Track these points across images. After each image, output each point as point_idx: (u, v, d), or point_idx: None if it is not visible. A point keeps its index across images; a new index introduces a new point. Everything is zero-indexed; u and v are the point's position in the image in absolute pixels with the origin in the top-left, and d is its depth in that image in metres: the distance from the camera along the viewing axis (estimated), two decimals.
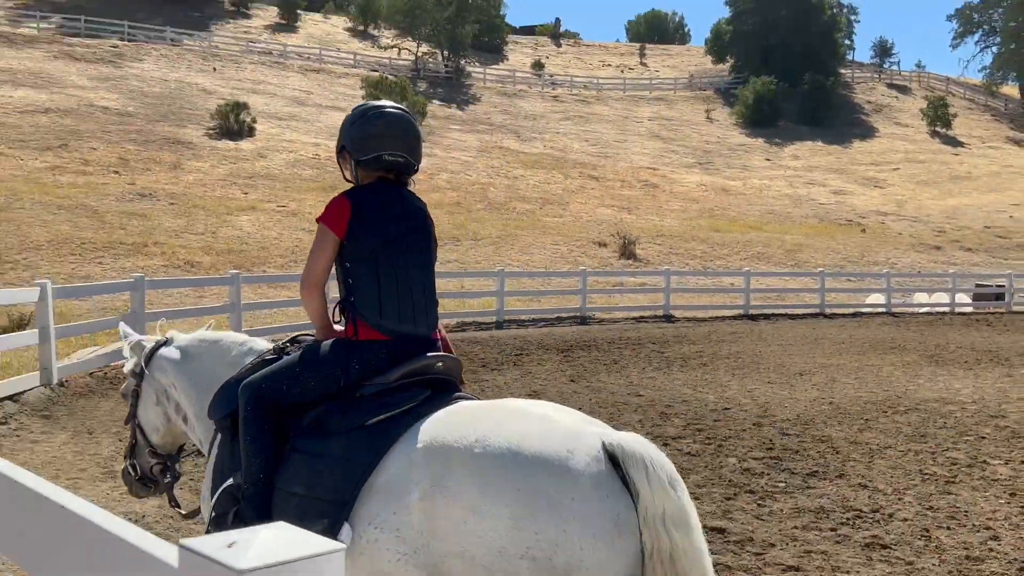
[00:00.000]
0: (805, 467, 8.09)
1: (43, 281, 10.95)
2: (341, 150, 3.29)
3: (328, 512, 2.68)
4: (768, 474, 7.82)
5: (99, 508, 1.49)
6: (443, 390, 3.06)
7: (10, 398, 10.03)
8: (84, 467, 7.60)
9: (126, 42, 57.00)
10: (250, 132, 42.96)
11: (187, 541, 1.13)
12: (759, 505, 6.88)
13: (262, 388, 3.03)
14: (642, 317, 23.32)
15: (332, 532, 2.62)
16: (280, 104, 50.92)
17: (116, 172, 33.92)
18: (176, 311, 15.12)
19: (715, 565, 5.53)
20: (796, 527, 6.35)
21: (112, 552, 1.36)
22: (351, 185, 3.28)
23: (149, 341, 3.90)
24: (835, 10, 79.36)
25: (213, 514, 2.99)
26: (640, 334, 19.52)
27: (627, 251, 31.23)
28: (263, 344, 3.61)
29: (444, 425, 2.69)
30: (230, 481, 3.00)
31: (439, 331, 3.35)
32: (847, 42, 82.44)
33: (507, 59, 77.64)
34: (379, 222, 3.12)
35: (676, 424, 9.89)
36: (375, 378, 2.98)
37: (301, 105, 51.99)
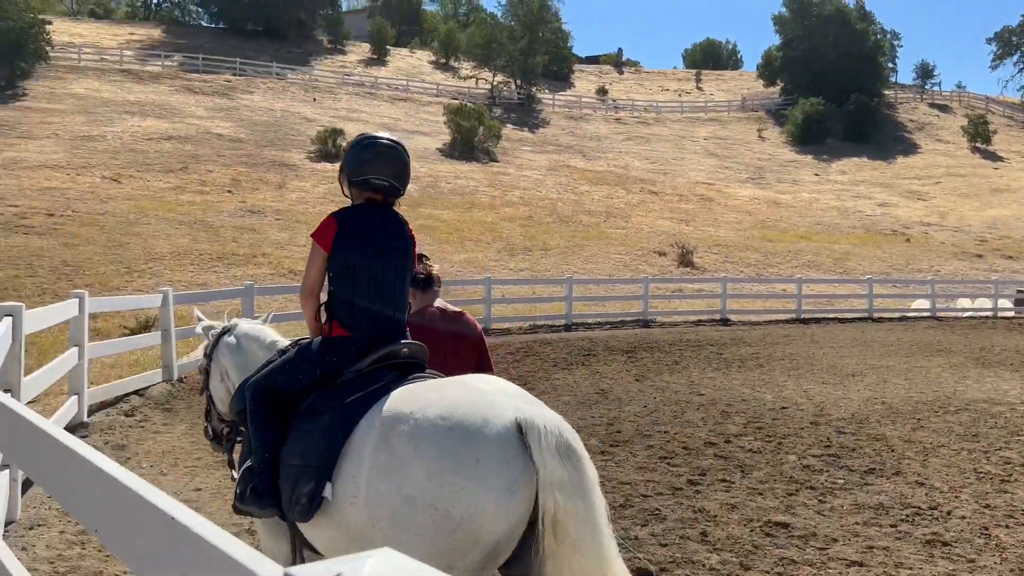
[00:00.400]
0: (862, 464, 7.72)
1: (165, 288, 11.15)
2: (341, 171, 3.51)
3: (315, 475, 2.90)
4: (827, 471, 7.48)
5: (209, 522, 1.36)
6: (410, 371, 3.22)
7: (137, 392, 10.21)
8: (200, 456, 7.64)
9: (238, 76, 58.34)
10: None
11: (292, 570, 0.99)
12: (820, 501, 6.56)
13: (261, 384, 3.29)
14: (700, 321, 22.86)
15: (319, 490, 2.88)
16: (371, 130, 51.44)
17: (229, 191, 34.66)
18: (280, 315, 15.28)
19: (780, 559, 5.28)
20: (857, 523, 6.03)
21: (217, 568, 1.24)
22: (348, 202, 3.50)
23: (217, 327, 4.16)
24: (879, 35, 77.12)
25: (237, 490, 3.22)
26: (699, 336, 19.10)
27: (685, 260, 30.70)
28: (284, 343, 3.80)
29: (399, 398, 2.90)
30: (248, 462, 3.25)
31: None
32: (890, 65, 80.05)
33: (574, 86, 77.34)
34: (360, 239, 3.30)
35: (737, 422, 9.57)
36: (351, 366, 3.18)
37: (390, 131, 52.44)
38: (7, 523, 5.24)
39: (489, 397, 2.80)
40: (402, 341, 3.31)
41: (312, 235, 3.36)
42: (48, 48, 50.15)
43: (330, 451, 2.91)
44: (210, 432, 4.12)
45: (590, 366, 14.04)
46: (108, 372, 11.65)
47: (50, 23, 51.76)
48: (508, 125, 57.57)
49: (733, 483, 6.98)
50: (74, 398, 8.06)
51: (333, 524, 2.88)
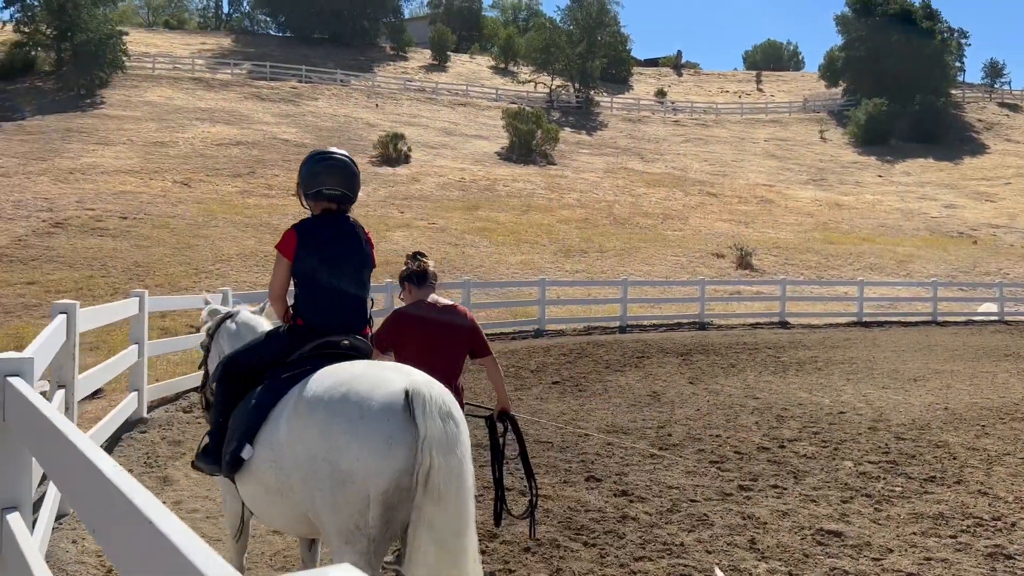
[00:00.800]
0: (922, 472, 7.39)
1: (224, 289, 11.30)
2: (298, 186, 3.83)
3: (238, 437, 3.29)
4: (885, 478, 7.17)
5: (188, 529, 1.28)
6: (351, 360, 3.46)
7: (196, 389, 10.35)
8: None
9: (303, 84, 59.31)
10: (406, 159, 43.85)
11: None
12: (876, 509, 6.28)
13: (229, 360, 3.74)
14: (758, 323, 22.37)
15: (239, 450, 3.27)
16: (432, 134, 51.84)
17: (294, 195, 35.11)
18: None
19: (831, 569, 5.05)
20: (915, 533, 5.75)
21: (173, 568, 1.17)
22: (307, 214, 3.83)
23: (222, 311, 4.47)
24: (946, 34, 74.69)
25: (196, 450, 3.69)
26: (756, 339, 18.68)
27: (744, 262, 30.11)
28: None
29: (317, 376, 3.21)
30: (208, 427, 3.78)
31: (369, 327, 3.82)
32: (958, 64, 77.46)
33: (632, 89, 76.69)
34: (318, 247, 3.66)
35: (792, 427, 9.27)
36: (297, 350, 3.57)
37: (450, 135, 52.78)
38: (59, 516, 5.31)
39: (386, 373, 3.12)
40: (348, 335, 3.63)
41: (276, 246, 3.73)
42: (125, 58, 51.66)
43: (256, 418, 3.30)
44: (203, 401, 4.48)
45: (643, 368, 13.81)
46: (173, 369, 11.86)
47: (127, 34, 53.30)
48: (566, 128, 57.34)
49: (785, 489, 6.74)
50: (134, 394, 8.20)
51: (255, 481, 3.29)
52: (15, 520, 2.76)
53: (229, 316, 4.40)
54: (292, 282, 3.71)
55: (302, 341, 3.57)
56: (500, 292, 22.48)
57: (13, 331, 15.29)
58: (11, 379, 2.80)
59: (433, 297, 4.82)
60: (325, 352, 3.53)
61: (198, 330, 4.95)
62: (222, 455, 3.39)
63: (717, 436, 8.69)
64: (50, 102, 46.97)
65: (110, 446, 7.50)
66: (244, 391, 3.54)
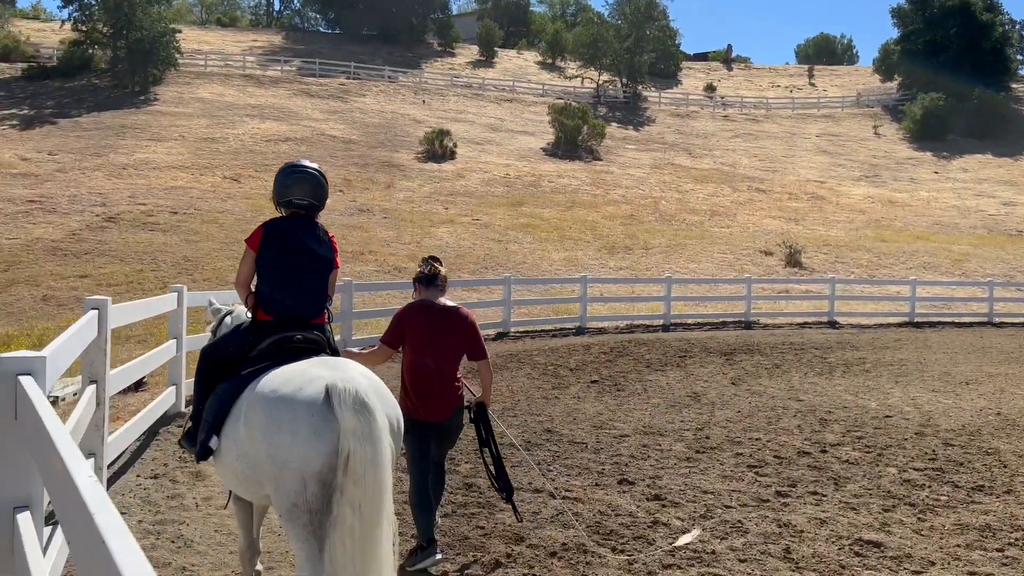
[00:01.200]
0: (970, 480, 7.13)
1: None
2: (272, 195, 4.27)
3: (208, 428, 3.70)
4: (930, 486, 6.93)
5: (139, 556, 1.23)
6: (303, 355, 3.84)
7: None
8: None
9: (352, 80, 59.81)
10: (452, 155, 43.95)
11: None
12: (919, 519, 6.06)
13: (205, 351, 4.17)
14: (806, 323, 21.93)
15: (207, 440, 3.68)
16: (478, 131, 51.88)
17: (341, 191, 35.50)
18: (379, 310, 15.51)
19: None
20: (959, 545, 5.53)
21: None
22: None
23: (223, 310, 4.78)
24: (1006, 27, 72.43)
25: (184, 427, 4.14)
26: (803, 339, 18.30)
27: (793, 260, 29.55)
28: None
29: (264, 378, 3.60)
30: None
31: (326, 314, 4.19)
32: (1019, 57, 75.04)
33: (681, 83, 75.85)
34: (280, 243, 4.06)
35: (835, 431, 9.03)
36: (258, 346, 3.92)
37: (495, 131, 52.77)
38: None
39: (316, 371, 3.53)
40: (302, 327, 4.00)
41: (246, 240, 4.18)
42: (178, 55, 52.63)
43: (221, 411, 3.69)
44: None
45: (685, 368, 13.61)
46: None
47: (180, 31, 54.27)
48: (612, 123, 56.94)
49: (825, 496, 6.54)
50: (172, 388, 8.29)
51: (225, 469, 3.75)
52: (25, 520, 2.75)
53: (229, 313, 4.73)
54: (253, 268, 4.16)
55: (262, 336, 3.96)
56: (542, 289, 22.37)
57: (65, 323, 15.64)
58: (22, 378, 2.79)
59: (442, 300, 5.22)
60: (284, 347, 3.90)
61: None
62: (197, 442, 3.81)
63: (757, 439, 8.50)
64: (105, 99, 48.08)
65: (147, 440, 7.59)
66: (217, 381, 3.90)
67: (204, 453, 3.73)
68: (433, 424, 5.02)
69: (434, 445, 5.11)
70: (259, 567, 4.42)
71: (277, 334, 3.92)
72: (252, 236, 4.14)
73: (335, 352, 4.14)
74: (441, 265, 5.32)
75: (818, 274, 28.07)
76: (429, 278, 5.23)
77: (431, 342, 5.05)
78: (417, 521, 4.94)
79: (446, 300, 5.26)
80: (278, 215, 4.25)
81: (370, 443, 3.32)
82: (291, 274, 4.04)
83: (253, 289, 4.14)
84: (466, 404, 5.29)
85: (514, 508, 5.42)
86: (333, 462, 3.31)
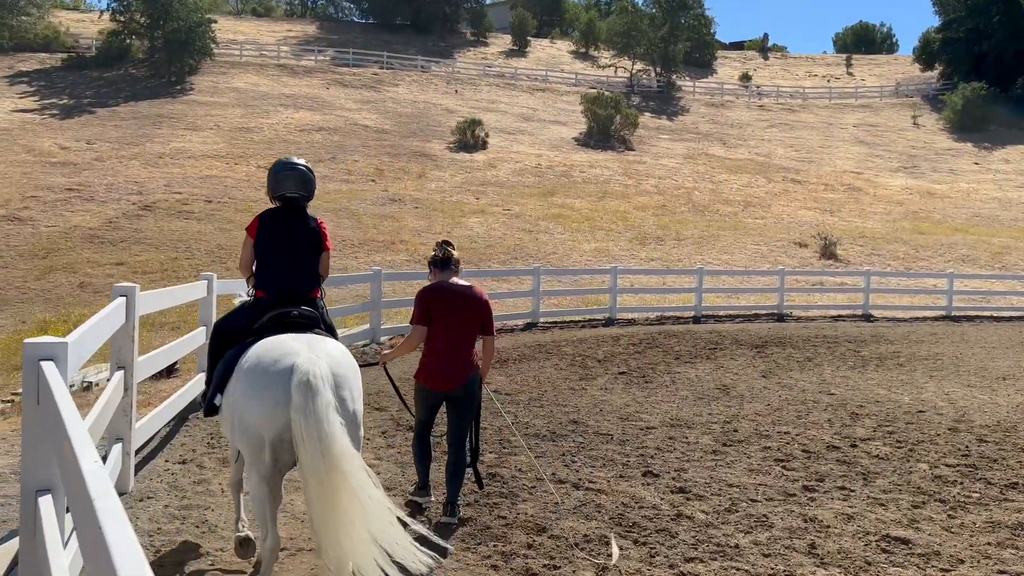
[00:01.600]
0: (1004, 478, 6.99)
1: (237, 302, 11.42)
2: (267, 189, 4.91)
3: (215, 389, 4.32)
4: (962, 483, 6.81)
5: (133, 543, 1.24)
6: (296, 329, 4.41)
7: None
8: None
9: (384, 70, 59.98)
10: (483, 145, 43.94)
11: None
12: (949, 516, 5.96)
13: (217, 325, 4.90)
14: (840, 316, 21.65)
15: (212, 397, 4.32)
16: (510, 120, 51.79)
17: (373, 181, 35.69)
18: (409, 300, 15.53)
19: None
20: (990, 543, 5.42)
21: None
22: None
23: (248, 299, 5.06)
24: None
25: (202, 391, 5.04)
26: (837, 332, 18.07)
27: (828, 251, 29.17)
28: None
29: (253, 348, 4.18)
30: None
31: (319, 291, 4.82)
32: None
33: (716, 72, 75.03)
34: (272, 231, 4.72)
35: (866, 425, 8.90)
36: (259, 319, 4.50)
37: (527, 121, 52.65)
38: (119, 495, 5.44)
39: (292, 347, 4.07)
40: (295, 304, 4.57)
41: (246, 228, 4.85)
42: (213, 45, 53.17)
43: (224, 374, 4.26)
44: None
45: (715, 360, 13.50)
46: None
47: (215, 22, 54.78)
48: (646, 113, 56.52)
49: (853, 491, 6.46)
50: (202, 375, 8.36)
51: (224, 422, 4.35)
52: (46, 503, 2.79)
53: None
54: (253, 254, 4.80)
55: (261, 312, 4.53)
56: (571, 279, 22.32)
57: (101, 310, 15.90)
58: (44, 364, 2.83)
59: (455, 280, 5.70)
60: (282, 321, 4.45)
61: None
62: (205, 399, 4.48)
63: (785, 433, 8.41)
64: (142, 88, 48.72)
65: (176, 426, 7.69)
66: (225, 349, 4.46)
67: (210, 409, 4.37)
68: (444, 394, 5.61)
69: (452, 416, 5.70)
70: (246, 532, 4.76)
71: (275, 310, 4.50)
72: (250, 225, 4.81)
73: (328, 326, 4.74)
74: (454, 249, 5.81)
75: (853, 266, 27.68)
76: (444, 261, 5.71)
77: (449, 319, 5.56)
78: (416, 468, 5.84)
79: (459, 279, 5.73)
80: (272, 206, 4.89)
81: (313, 418, 3.77)
82: (283, 256, 4.68)
83: (253, 271, 4.81)
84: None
85: (476, 474, 5.90)
86: (285, 435, 3.89)
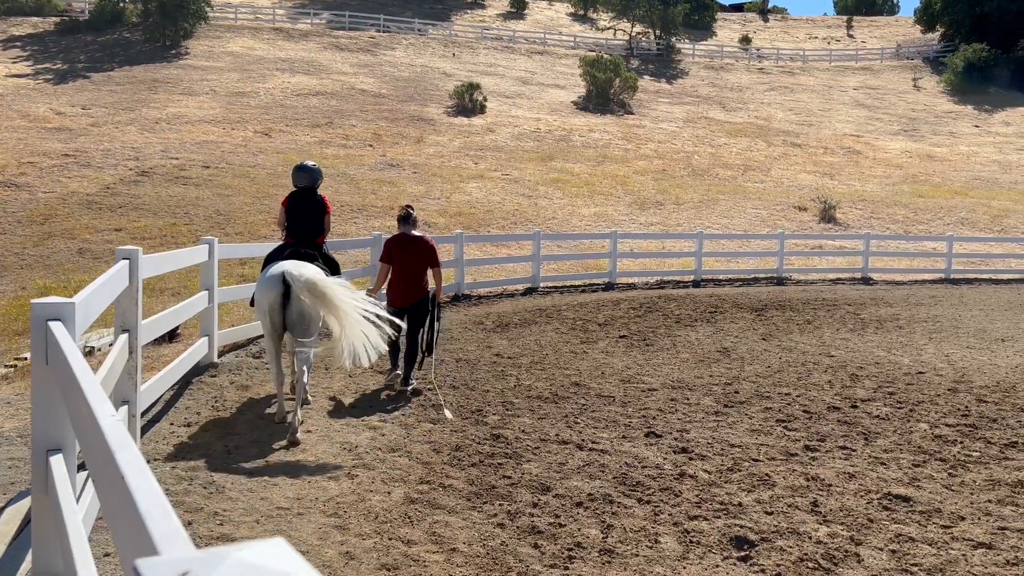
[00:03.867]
0: (1003, 437, 7.04)
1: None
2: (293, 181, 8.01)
3: (256, 289, 7.16)
4: (961, 442, 6.85)
5: (158, 491, 1.24)
6: (304, 258, 7.23)
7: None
8: (314, 396, 7.81)
9: (381, 33, 59.30)
10: (481, 109, 43.59)
11: (141, 563, 0.83)
12: (950, 475, 6.00)
13: (268, 254, 7.79)
14: (839, 279, 21.66)
15: (254, 294, 7.36)
16: (508, 84, 51.33)
17: (370, 146, 35.46)
18: None
19: (896, 536, 4.84)
20: (990, 501, 5.47)
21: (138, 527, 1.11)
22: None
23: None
24: None
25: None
26: (836, 295, 18.09)
27: (827, 215, 29.10)
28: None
29: (273, 263, 7.03)
30: None
31: (323, 237, 7.96)
32: None
33: (716, 35, 74.27)
34: (293, 205, 7.80)
35: (867, 387, 8.94)
36: (283, 253, 7.43)
37: (526, 84, 52.19)
38: None
39: (287, 264, 6.74)
40: (304, 246, 7.57)
41: (281, 203, 8.08)
42: (208, 9, 52.48)
43: (258, 286, 7.10)
44: None
45: (715, 323, 13.52)
46: (249, 315, 12.09)
47: None
48: (645, 76, 56.03)
49: (854, 451, 6.50)
50: (205, 339, 8.39)
51: (256, 309, 7.16)
52: (57, 462, 2.80)
53: None
54: (285, 217, 7.92)
55: (284, 248, 7.57)
56: (572, 244, 22.27)
57: (100, 275, 15.87)
58: (52, 324, 2.82)
59: (415, 232, 8.56)
60: (296, 254, 7.35)
61: None
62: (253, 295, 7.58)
63: (786, 394, 8.45)
64: (137, 53, 48.18)
65: (180, 389, 7.71)
66: (268, 266, 7.31)
67: (252, 302, 7.50)
68: (405, 309, 8.28)
69: (408, 321, 8.28)
70: (286, 387, 7.22)
71: (292, 248, 7.50)
72: (284, 201, 8.02)
73: (328, 258, 7.77)
74: (413, 210, 8.76)
75: (853, 230, 27.63)
76: (404, 218, 8.61)
77: (407, 261, 8.40)
78: (389, 357, 8.49)
79: (415, 231, 8.59)
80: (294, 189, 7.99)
81: (294, 279, 6.50)
82: (300, 218, 7.78)
83: (284, 226, 7.93)
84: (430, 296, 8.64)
85: (422, 357, 8.59)
86: (274, 309, 6.69)
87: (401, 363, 8.41)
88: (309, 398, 7.49)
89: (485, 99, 44.30)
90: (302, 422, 6.75)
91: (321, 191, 8.05)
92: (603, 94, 48.60)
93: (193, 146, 31.92)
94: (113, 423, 1.58)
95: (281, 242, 7.89)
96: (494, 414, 7.36)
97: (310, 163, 7.89)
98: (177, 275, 15.02)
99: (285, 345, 7.16)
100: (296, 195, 7.77)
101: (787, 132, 46.73)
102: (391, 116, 40.88)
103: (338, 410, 7.45)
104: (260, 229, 22.21)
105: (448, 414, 7.27)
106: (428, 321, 8.55)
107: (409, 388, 8.08)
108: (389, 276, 8.40)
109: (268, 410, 7.36)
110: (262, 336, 10.82)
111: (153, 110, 37.50)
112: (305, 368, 6.79)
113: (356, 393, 8.16)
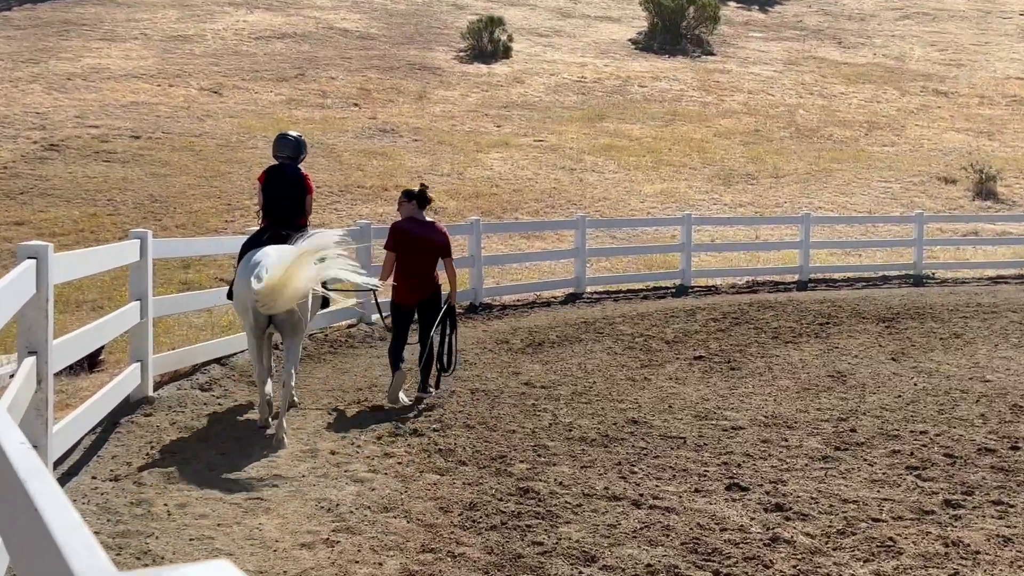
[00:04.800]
0: None
1: (253, 229, 11.62)
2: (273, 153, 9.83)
3: (235, 279, 8.77)
4: None
5: (78, 522, 1.38)
6: (285, 241, 8.44)
7: (218, 361, 10.82)
8: (288, 444, 8.01)
9: None
10: (505, 53, 43.82)
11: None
12: None
13: (247, 239, 9.34)
14: (1001, 277, 21.61)
15: (231, 286, 9.15)
16: (541, 18, 51.57)
17: (356, 105, 35.85)
18: None
19: None
20: None
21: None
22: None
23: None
24: None
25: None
26: (996, 299, 18.05)
27: (984, 189, 28.97)
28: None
29: (249, 253, 8.59)
30: None
31: (304, 219, 9.49)
32: None
33: None
34: (271, 183, 9.23)
35: None
36: (263, 236, 8.91)
37: (566, 17, 52.40)
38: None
39: (266, 251, 8.21)
40: (284, 227, 8.85)
41: (257, 179, 9.76)
42: None
43: (240, 263, 8.79)
44: None
45: (827, 339, 13.59)
46: (196, 335, 12.36)
47: None
48: (730, 3, 56.07)
49: (1012, 507, 6.57)
50: (136, 366, 8.58)
51: (234, 301, 8.96)
52: None
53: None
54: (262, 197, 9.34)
55: (264, 232, 8.92)
56: (629, 233, 22.38)
57: None
58: None
59: (422, 215, 9.83)
60: (276, 237, 8.62)
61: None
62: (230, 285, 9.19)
63: (922, 433, 8.52)
64: None
65: (105, 433, 7.94)
66: (247, 252, 8.68)
67: (230, 294, 8.99)
68: (412, 307, 9.69)
69: (420, 319, 9.74)
70: (268, 388, 8.54)
71: (272, 230, 8.84)
72: (260, 176, 9.44)
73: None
74: (429, 188, 10.13)
75: (1021, 209, 27.44)
76: (417, 196, 9.84)
77: (416, 251, 9.63)
78: (390, 362, 9.59)
79: (424, 215, 9.86)
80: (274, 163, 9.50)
81: (270, 268, 7.73)
82: (280, 198, 9.13)
83: (261, 207, 9.39)
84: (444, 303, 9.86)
85: (438, 376, 9.83)
86: (251, 304, 7.92)
87: (413, 370, 9.82)
88: (295, 399, 9.04)
89: (510, 38, 44.55)
90: (287, 432, 8.03)
91: (307, 174, 9.48)
92: (672, 28, 48.67)
93: (118, 110, 32.50)
94: (22, 449, 1.74)
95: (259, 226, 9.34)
96: (522, 461, 7.50)
97: (293, 132, 9.42)
98: (99, 282, 15.36)
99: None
100: (275, 170, 9.17)
101: (928, 76, 46.49)
102: (383, 65, 41.28)
103: (313, 456, 7.63)
104: (208, 219, 22.59)
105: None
106: (442, 327, 9.74)
107: (426, 394, 9.55)
108: (397, 268, 9.63)
109: (249, 414, 8.44)
110: (209, 363, 11.17)
111: (64, 62, 38.19)
112: (292, 371, 8.41)
113: (339, 433, 8.35)
